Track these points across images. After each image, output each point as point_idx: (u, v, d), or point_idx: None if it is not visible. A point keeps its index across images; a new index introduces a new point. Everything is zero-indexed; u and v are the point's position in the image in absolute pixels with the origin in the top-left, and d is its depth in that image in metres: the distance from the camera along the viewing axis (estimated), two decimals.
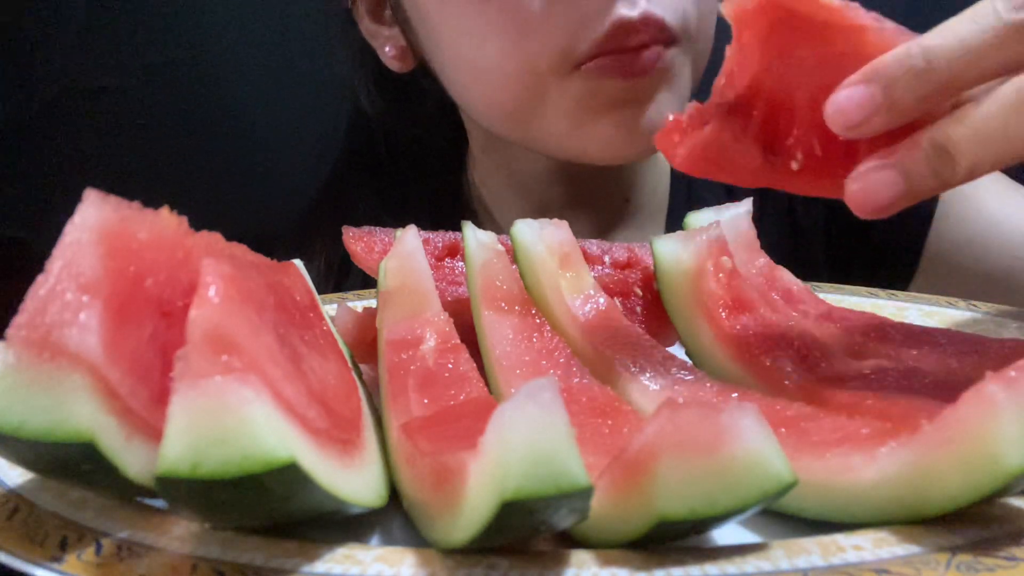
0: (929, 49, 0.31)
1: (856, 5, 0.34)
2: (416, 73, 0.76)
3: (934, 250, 0.74)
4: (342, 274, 0.80)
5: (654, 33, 0.59)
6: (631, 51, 0.59)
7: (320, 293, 0.46)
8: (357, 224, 0.53)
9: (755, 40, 0.35)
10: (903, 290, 0.74)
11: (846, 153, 0.34)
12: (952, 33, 0.31)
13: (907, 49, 0.32)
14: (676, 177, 0.82)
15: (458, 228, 0.48)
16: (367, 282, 0.74)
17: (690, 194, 0.81)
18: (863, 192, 0.33)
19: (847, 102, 0.32)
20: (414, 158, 0.86)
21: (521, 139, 0.69)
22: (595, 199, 0.79)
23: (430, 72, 0.74)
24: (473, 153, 0.84)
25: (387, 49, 0.76)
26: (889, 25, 0.34)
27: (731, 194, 0.80)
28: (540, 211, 0.47)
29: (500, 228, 0.46)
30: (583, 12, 0.59)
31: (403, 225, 0.46)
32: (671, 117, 0.37)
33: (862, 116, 0.32)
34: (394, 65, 0.76)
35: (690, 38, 0.63)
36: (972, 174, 0.32)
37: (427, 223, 0.52)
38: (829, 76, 0.33)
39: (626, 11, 0.58)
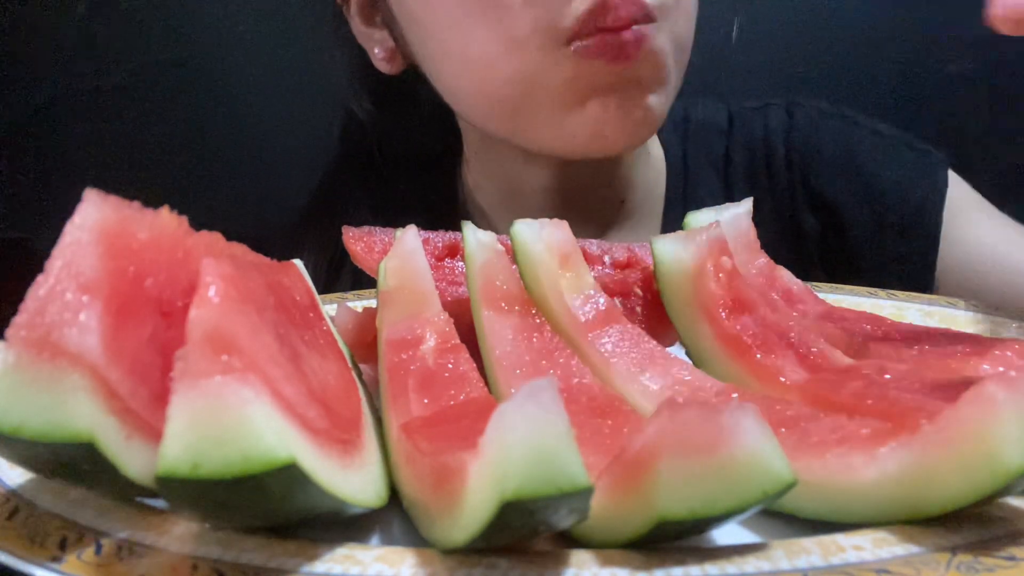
0: None
1: None
2: (408, 76, 0.76)
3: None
4: (332, 275, 0.80)
5: (634, 11, 0.60)
6: (614, 31, 0.60)
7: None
8: (350, 225, 0.53)
9: None
10: None
11: None
12: None
13: None
14: (672, 176, 0.82)
15: (455, 229, 0.48)
16: (356, 284, 0.74)
17: (686, 193, 0.81)
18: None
19: None
20: (408, 162, 0.86)
21: (512, 132, 0.68)
22: (590, 205, 0.78)
23: (421, 75, 0.74)
24: (467, 157, 0.84)
25: (376, 51, 0.76)
26: None
27: (727, 194, 0.80)
28: (534, 217, 0.47)
29: (494, 232, 0.46)
30: None
31: (396, 227, 0.46)
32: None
33: None
34: (384, 67, 0.76)
35: (667, 16, 0.63)
36: None
37: (420, 226, 0.52)
38: None
39: None
